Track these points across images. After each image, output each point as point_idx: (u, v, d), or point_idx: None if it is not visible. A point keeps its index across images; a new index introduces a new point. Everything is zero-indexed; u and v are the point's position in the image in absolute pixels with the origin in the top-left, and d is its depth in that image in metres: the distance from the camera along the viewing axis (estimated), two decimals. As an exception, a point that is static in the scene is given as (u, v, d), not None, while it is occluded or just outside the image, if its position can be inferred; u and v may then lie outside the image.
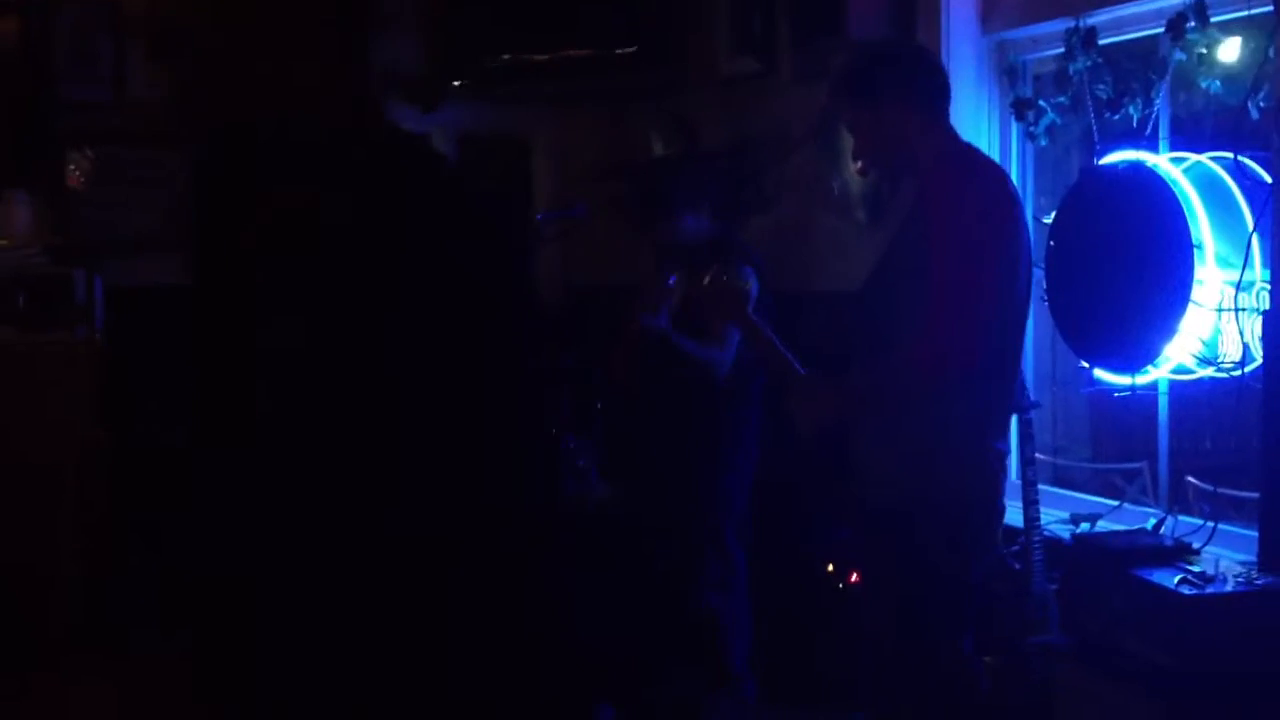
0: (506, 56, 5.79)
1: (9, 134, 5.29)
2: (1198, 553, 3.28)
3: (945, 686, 2.90)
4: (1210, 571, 3.05)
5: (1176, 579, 3.01)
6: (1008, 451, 3.08)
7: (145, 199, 5.71)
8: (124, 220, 5.65)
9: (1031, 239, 3.10)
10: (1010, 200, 2.90)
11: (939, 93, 3.01)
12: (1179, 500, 3.81)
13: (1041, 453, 4.35)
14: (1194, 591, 2.94)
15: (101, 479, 5.02)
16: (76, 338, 5.19)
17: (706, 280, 3.31)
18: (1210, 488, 3.55)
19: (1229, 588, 2.95)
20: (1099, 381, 3.66)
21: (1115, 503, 3.98)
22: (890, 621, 2.96)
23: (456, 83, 5.88)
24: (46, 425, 4.93)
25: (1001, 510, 3.03)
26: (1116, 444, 4.42)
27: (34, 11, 5.30)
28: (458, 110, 6.11)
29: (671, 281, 4.14)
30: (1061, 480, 4.39)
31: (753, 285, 4.13)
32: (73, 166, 5.63)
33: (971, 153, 3.08)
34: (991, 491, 2.95)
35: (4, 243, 5.31)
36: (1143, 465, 4.12)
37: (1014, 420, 3.69)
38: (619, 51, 5.65)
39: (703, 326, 4.08)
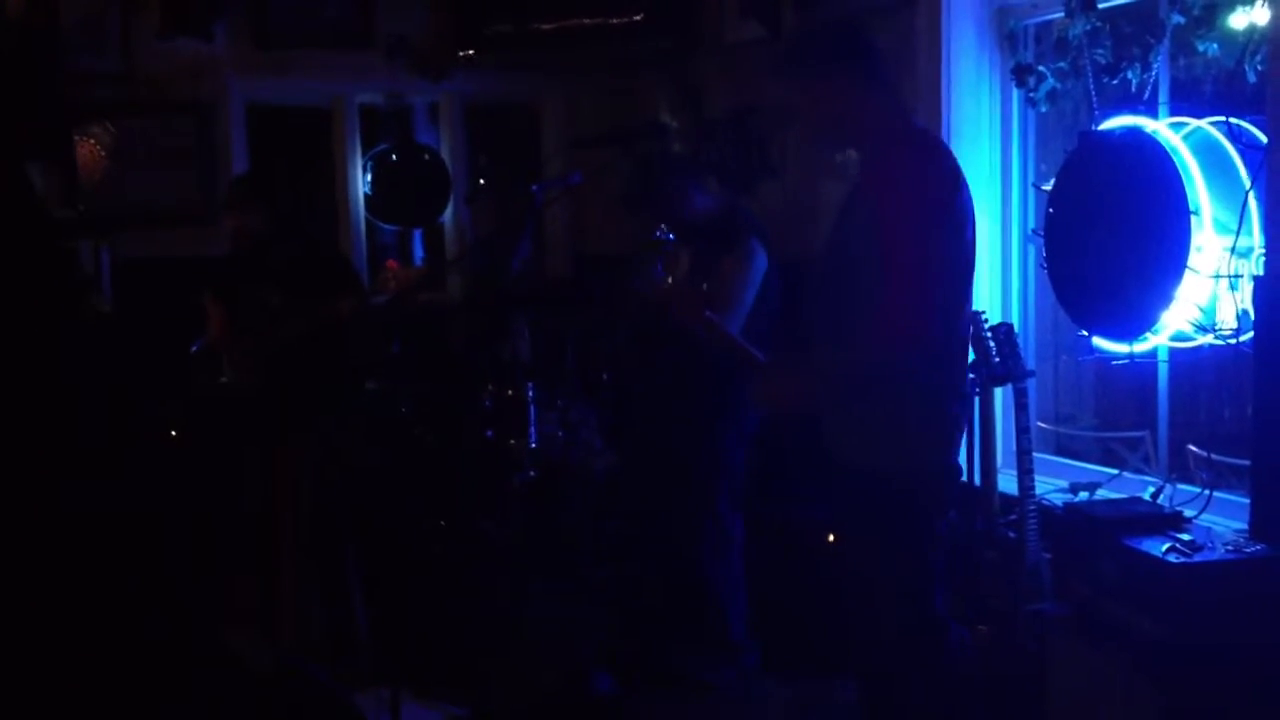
0: (514, 25, 5.78)
1: (17, 106, 5.31)
2: (1191, 521, 3.27)
3: (915, 644, 2.93)
4: (1201, 540, 3.03)
5: (1165, 547, 3.00)
6: (962, 413, 3.10)
7: (153, 171, 5.73)
8: (132, 192, 5.68)
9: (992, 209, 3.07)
10: (952, 176, 2.91)
11: (877, 68, 3.02)
12: (1180, 468, 3.79)
13: (1044, 421, 4.34)
14: (1181, 560, 2.93)
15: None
16: (86, 310, 5.22)
17: (669, 280, 3.31)
18: (1207, 455, 3.53)
19: (1217, 556, 2.94)
20: (1098, 349, 3.63)
21: (1116, 471, 3.97)
22: (861, 584, 2.98)
23: (465, 52, 5.87)
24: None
25: (958, 470, 3.06)
26: (1120, 412, 4.39)
27: (39, -17, 5.31)
28: (466, 79, 6.12)
29: (668, 237, 4.09)
30: (1064, 449, 4.37)
31: (760, 259, 4.11)
32: (91, 139, 5.66)
33: (915, 130, 3.09)
34: (947, 453, 2.98)
35: (13, 215, 5.35)
36: (1144, 434, 4.10)
37: (1008, 389, 3.68)
38: (626, 19, 5.63)
39: (712, 297, 4.05)
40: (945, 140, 4.09)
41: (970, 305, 3.04)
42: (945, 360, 2.92)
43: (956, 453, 3.01)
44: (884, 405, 2.87)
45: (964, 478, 3.15)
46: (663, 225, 4.08)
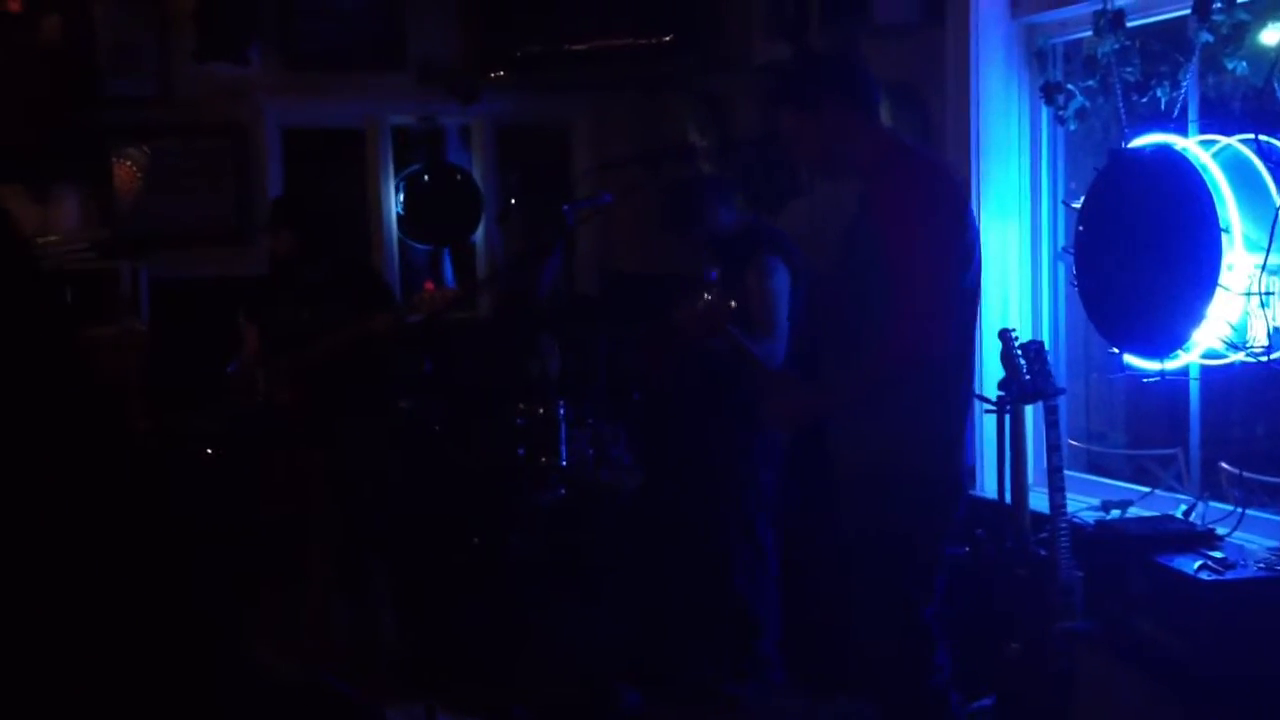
0: (544, 47, 5.82)
1: (55, 130, 5.39)
2: (1223, 539, 3.25)
3: (897, 651, 2.98)
4: (1233, 558, 3.02)
5: (1196, 565, 2.99)
6: (964, 431, 3.15)
7: (188, 192, 5.80)
8: (167, 213, 5.75)
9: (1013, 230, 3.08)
10: (954, 194, 2.96)
11: (873, 94, 3.08)
12: (1212, 486, 3.77)
13: (1076, 439, 4.32)
14: (1213, 578, 2.92)
15: (148, 470, 5.11)
16: (123, 330, 5.29)
17: (704, 299, 3.34)
18: (1239, 473, 3.52)
19: (1249, 573, 2.93)
20: (1129, 367, 3.63)
21: (1148, 489, 3.95)
22: (860, 591, 3.03)
23: (495, 73, 5.92)
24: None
25: (962, 487, 3.10)
26: (1152, 430, 4.37)
27: (77, 8, 5.40)
28: (496, 100, 6.18)
29: (714, 276, 4.14)
30: (1096, 467, 4.35)
31: (782, 276, 4.13)
32: (128, 161, 5.74)
33: (911, 151, 3.13)
34: (953, 470, 3.02)
35: (53, 238, 5.42)
36: (1176, 451, 4.08)
37: (1039, 407, 3.68)
38: (656, 40, 5.67)
39: (750, 319, 4.07)
40: (974, 159, 4.11)
41: (977, 317, 3.08)
42: (953, 375, 2.96)
43: (963, 465, 3.04)
44: (891, 416, 2.91)
45: (965, 492, 3.18)
46: (710, 267, 4.13)
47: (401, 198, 6.31)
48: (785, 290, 4.14)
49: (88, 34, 5.41)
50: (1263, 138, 3.26)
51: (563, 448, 4.80)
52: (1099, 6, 3.70)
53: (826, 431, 3.09)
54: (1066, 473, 3.63)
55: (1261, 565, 2.97)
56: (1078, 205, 3.73)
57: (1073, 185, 4.25)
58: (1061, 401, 3.72)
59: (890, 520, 2.96)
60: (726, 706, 4.20)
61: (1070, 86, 3.93)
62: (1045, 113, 4.17)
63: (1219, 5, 3.34)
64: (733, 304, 3.21)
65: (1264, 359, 3.29)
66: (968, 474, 3.10)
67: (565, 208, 4.01)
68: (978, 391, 3.45)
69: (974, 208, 3.01)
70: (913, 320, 2.80)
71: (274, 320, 4.68)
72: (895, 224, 2.87)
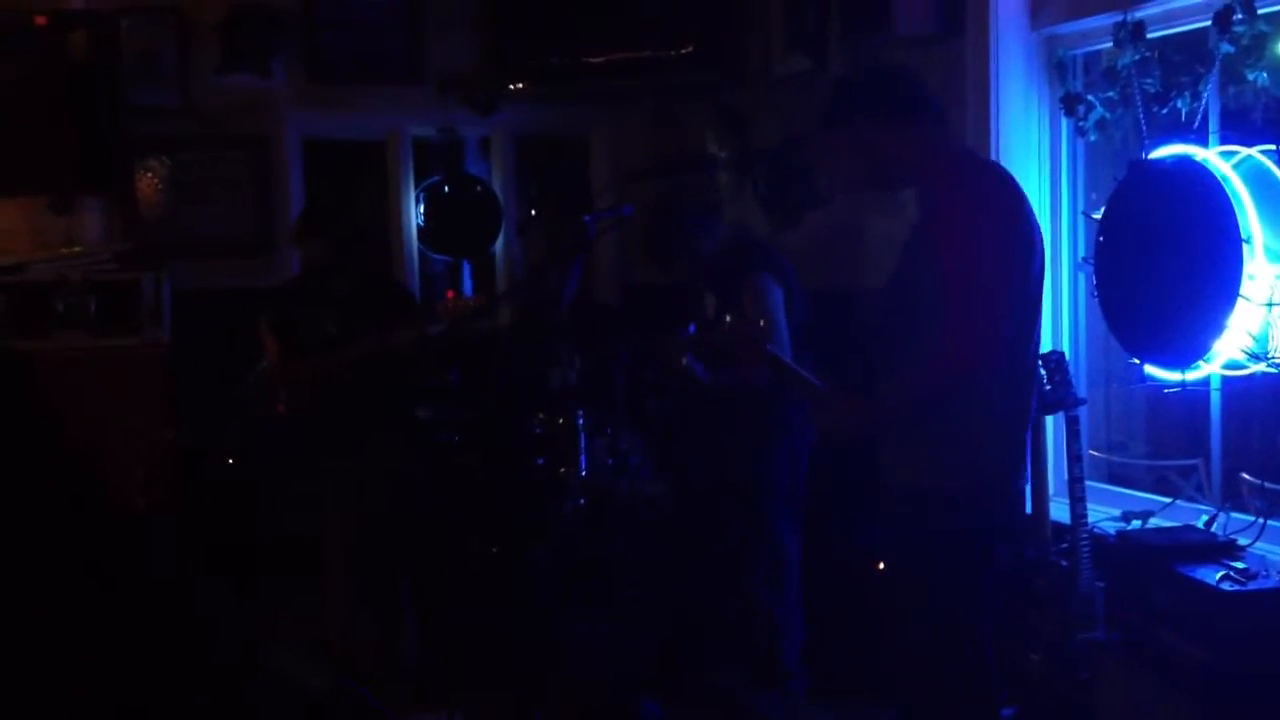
0: (564, 59, 5.85)
1: (79, 142, 5.44)
2: (1244, 549, 3.25)
3: (958, 671, 2.93)
4: (1255, 568, 3.02)
5: (1218, 575, 2.99)
6: (1020, 441, 3.08)
7: (210, 203, 5.85)
8: (190, 224, 5.79)
9: (1071, 234, 3.09)
10: (1013, 201, 2.90)
11: (921, 104, 3.02)
12: (1233, 496, 3.77)
13: (1097, 449, 4.32)
14: (1235, 588, 2.92)
15: (171, 480, 5.15)
16: (146, 341, 5.32)
17: (726, 324, 3.34)
18: (1260, 483, 3.51)
19: (1271, 584, 2.92)
20: (1150, 377, 3.63)
21: (1169, 500, 3.95)
22: (910, 610, 2.99)
23: (515, 85, 5.95)
24: (117, 429, 5.04)
25: (1023, 496, 3.06)
26: (1172, 440, 4.37)
27: (102, 21, 5.44)
28: (516, 112, 6.21)
29: (691, 329, 4.14)
30: (1116, 477, 4.35)
31: (776, 293, 4.15)
32: (151, 173, 5.78)
33: (968, 159, 3.08)
34: (1013, 479, 2.97)
35: (76, 250, 5.46)
36: (1197, 462, 4.07)
37: (1060, 417, 3.68)
38: (675, 52, 5.69)
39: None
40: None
41: (1039, 331, 3.03)
42: (1012, 388, 2.91)
43: (1022, 479, 3.00)
44: (952, 432, 2.86)
45: (1023, 503, 3.15)
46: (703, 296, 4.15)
47: (421, 209, 6.34)
48: (780, 306, 4.16)
49: (113, 46, 5.45)
50: (1284, 149, 3.26)
51: (582, 457, 4.81)
52: (1119, 18, 3.71)
53: (872, 444, 3.05)
54: (1087, 483, 3.63)
55: (1284, 575, 2.96)
56: (1098, 216, 3.74)
57: (1093, 196, 4.25)
58: (1082, 412, 3.73)
59: (948, 535, 2.90)
60: (747, 715, 4.20)
61: (1090, 97, 3.94)
62: (1065, 124, 4.17)
63: (1239, 16, 3.35)
64: (761, 322, 3.19)
65: (1285, 369, 3.29)
66: (1022, 487, 3.03)
67: (587, 218, 4.03)
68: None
69: (1034, 216, 2.95)
70: (965, 337, 2.75)
71: (297, 330, 4.71)
72: (950, 235, 2.82)
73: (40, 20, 5.31)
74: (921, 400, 2.86)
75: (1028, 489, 3.20)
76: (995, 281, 2.78)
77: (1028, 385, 2.98)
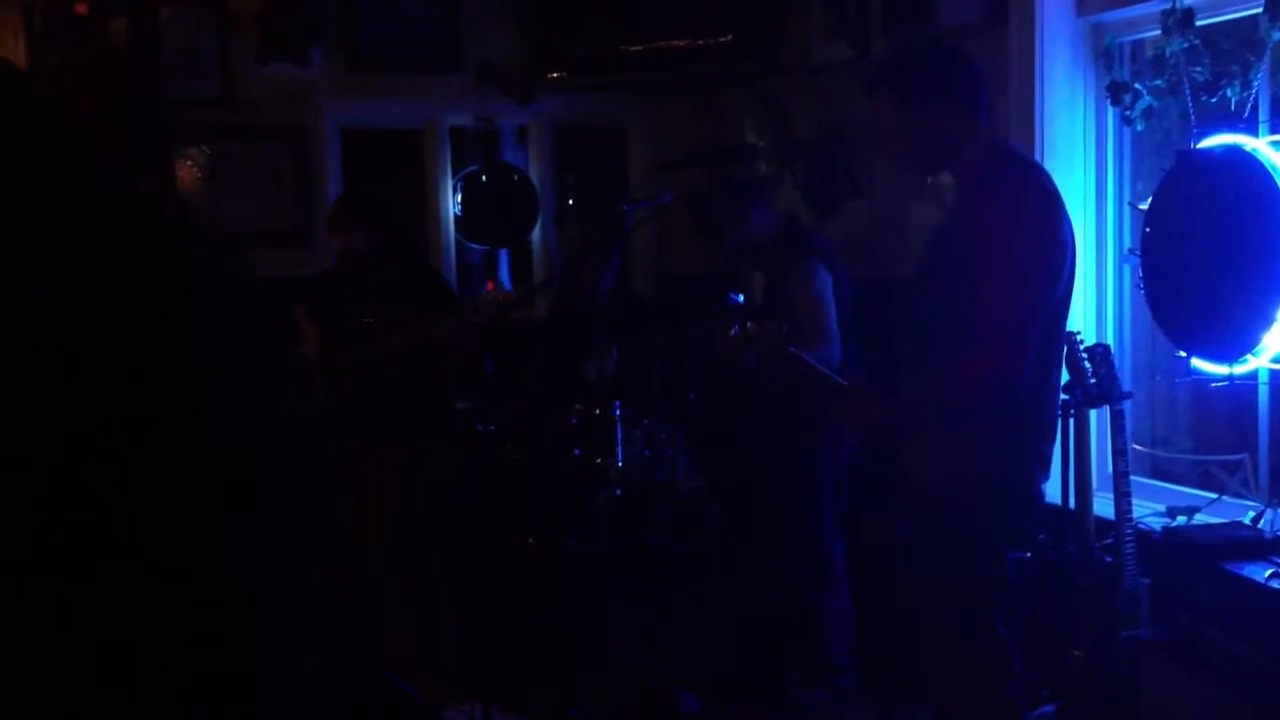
0: (602, 48, 5.83)
1: (120, 132, 5.46)
2: (1294, 547, 3.19)
3: (977, 666, 2.95)
4: (1305, 566, 2.97)
5: (1267, 573, 2.94)
6: (1049, 452, 3.08)
7: (249, 193, 5.86)
8: (228, 213, 5.81)
9: (1107, 231, 3.04)
10: (1048, 201, 2.87)
11: (975, 93, 2.97)
12: (1280, 493, 3.71)
13: (1141, 444, 4.26)
14: (1285, 586, 2.87)
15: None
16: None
17: (745, 329, 3.29)
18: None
19: (1322, 583, 2.87)
20: (1197, 371, 3.57)
21: (1214, 495, 3.89)
22: (929, 604, 3.00)
23: (552, 74, 5.94)
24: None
25: (1038, 502, 3.05)
26: (1218, 435, 4.30)
27: (142, 11, 5.46)
28: (553, 101, 6.19)
29: (734, 331, 4.10)
30: (1161, 473, 4.29)
31: (824, 278, 4.11)
32: (190, 162, 5.80)
33: (1008, 155, 3.03)
34: (1031, 483, 2.98)
35: (116, 237, 5.48)
36: (1244, 457, 4.01)
37: (1104, 411, 3.63)
38: (714, 40, 5.66)
39: (799, 326, 4.03)
40: (1039, 159, 4.06)
41: (1063, 338, 3.01)
42: (1035, 394, 2.89)
43: (1040, 484, 2.98)
44: (970, 437, 2.85)
45: (1039, 508, 3.14)
46: (730, 292, 4.11)
47: (459, 198, 6.34)
48: (829, 291, 4.12)
49: (153, 36, 5.47)
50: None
51: (619, 448, 4.80)
52: (1167, 5, 3.64)
53: (897, 440, 3.05)
54: (1131, 478, 3.58)
55: (1335, 574, 2.91)
56: (1144, 206, 3.68)
57: (1139, 186, 4.19)
58: (1127, 406, 3.67)
59: (961, 533, 2.91)
60: (792, 712, 4.18)
61: (1137, 86, 3.87)
62: (1111, 113, 4.11)
63: (1292, 3, 3.28)
64: (784, 327, 3.14)
65: (1336, 364, 3.23)
66: (1039, 496, 3.03)
67: (625, 207, 4.01)
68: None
69: (1068, 218, 2.92)
70: (992, 342, 2.73)
71: (339, 317, 4.71)
72: (983, 242, 2.78)
73: (81, 8, 5.33)
74: (943, 406, 2.85)
75: (1057, 482, 3.17)
76: (1025, 295, 2.76)
77: (1053, 392, 2.96)
